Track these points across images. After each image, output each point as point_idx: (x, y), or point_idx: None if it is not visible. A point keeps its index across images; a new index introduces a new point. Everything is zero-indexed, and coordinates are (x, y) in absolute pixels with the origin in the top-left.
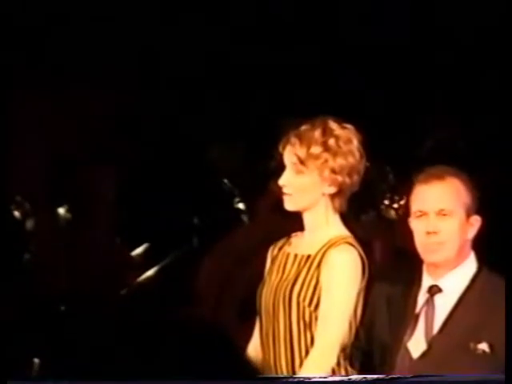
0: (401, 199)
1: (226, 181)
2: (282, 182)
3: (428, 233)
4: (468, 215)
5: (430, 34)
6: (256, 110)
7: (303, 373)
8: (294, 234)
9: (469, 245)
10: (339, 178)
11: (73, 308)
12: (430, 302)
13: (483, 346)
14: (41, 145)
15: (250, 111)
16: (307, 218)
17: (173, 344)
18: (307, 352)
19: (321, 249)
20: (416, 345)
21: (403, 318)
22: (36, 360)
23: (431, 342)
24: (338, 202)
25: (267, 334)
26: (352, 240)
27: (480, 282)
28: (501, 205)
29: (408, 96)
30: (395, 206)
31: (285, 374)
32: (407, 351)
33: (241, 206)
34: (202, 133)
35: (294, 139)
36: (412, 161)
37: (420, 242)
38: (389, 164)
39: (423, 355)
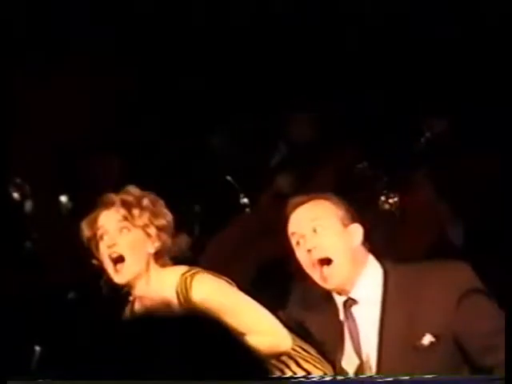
0: (395, 196)
1: (227, 169)
2: (108, 244)
3: (308, 250)
4: (346, 225)
5: (422, 37)
6: (258, 100)
7: None
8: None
9: (362, 251)
10: (163, 236)
11: (74, 297)
12: (349, 316)
13: (428, 338)
14: (43, 133)
15: (251, 102)
16: (142, 288)
17: (176, 338)
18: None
19: (182, 303)
20: (349, 362)
21: (331, 340)
22: (37, 348)
23: (381, 357)
24: (160, 262)
25: None
26: (196, 269)
27: (393, 279)
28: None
29: (400, 98)
30: (390, 201)
31: None
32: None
33: (241, 195)
34: (202, 121)
35: (110, 206)
36: (405, 160)
37: (305, 263)
38: (383, 164)
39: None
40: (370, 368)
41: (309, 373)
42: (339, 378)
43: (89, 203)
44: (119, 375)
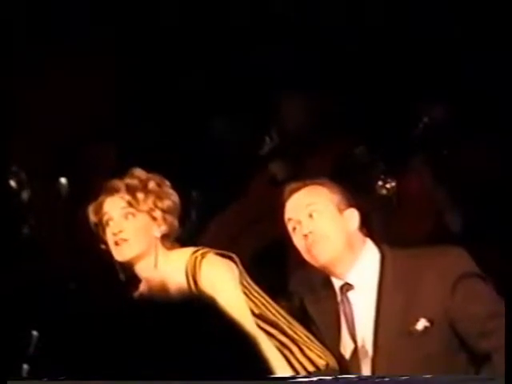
0: (392, 181)
1: (223, 156)
2: (113, 231)
3: (304, 235)
4: (341, 209)
5: (420, 24)
6: (252, 86)
7: None
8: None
9: (359, 235)
10: (169, 218)
11: (73, 287)
12: (344, 300)
13: (423, 323)
14: (43, 120)
15: (246, 87)
16: (146, 268)
17: (176, 338)
18: None
19: (189, 282)
20: (345, 346)
21: (329, 324)
22: (35, 333)
23: (376, 342)
24: (167, 244)
25: None
26: (204, 250)
27: (389, 264)
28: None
29: (397, 84)
30: (387, 186)
31: None
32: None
33: (237, 182)
34: (201, 107)
35: (114, 192)
36: (403, 146)
37: (301, 248)
38: (381, 150)
39: (378, 353)
40: (366, 352)
41: (313, 362)
42: (340, 377)
43: (87, 190)
44: (118, 374)
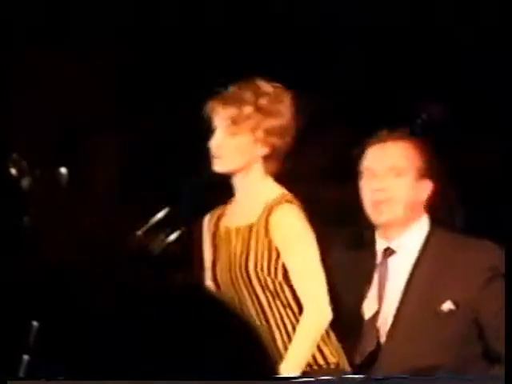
0: None
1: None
2: (213, 143)
3: (376, 190)
4: (420, 178)
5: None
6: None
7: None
8: (223, 206)
9: (421, 207)
10: (271, 139)
11: (73, 279)
12: (383, 263)
13: (448, 305)
14: (43, 108)
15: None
16: (239, 183)
17: (178, 338)
18: (283, 320)
19: (262, 215)
20: (368, 306)
21: (361, 283)
22: (35, 323)
23: (399, 311)
24: (270, 165)
25: None
26: (290, 197)
27: (434, 241)
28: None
29: (395, 75)
30: None
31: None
32: (374, 326)
33: None
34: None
35: (223, 101)
36: None
37: (367, 200)
38: None
39: (393, 326)
40: (386, 320)
41: (325, 357)
42: (342, 377)
43: (88, 179)
44: (118, 374)
